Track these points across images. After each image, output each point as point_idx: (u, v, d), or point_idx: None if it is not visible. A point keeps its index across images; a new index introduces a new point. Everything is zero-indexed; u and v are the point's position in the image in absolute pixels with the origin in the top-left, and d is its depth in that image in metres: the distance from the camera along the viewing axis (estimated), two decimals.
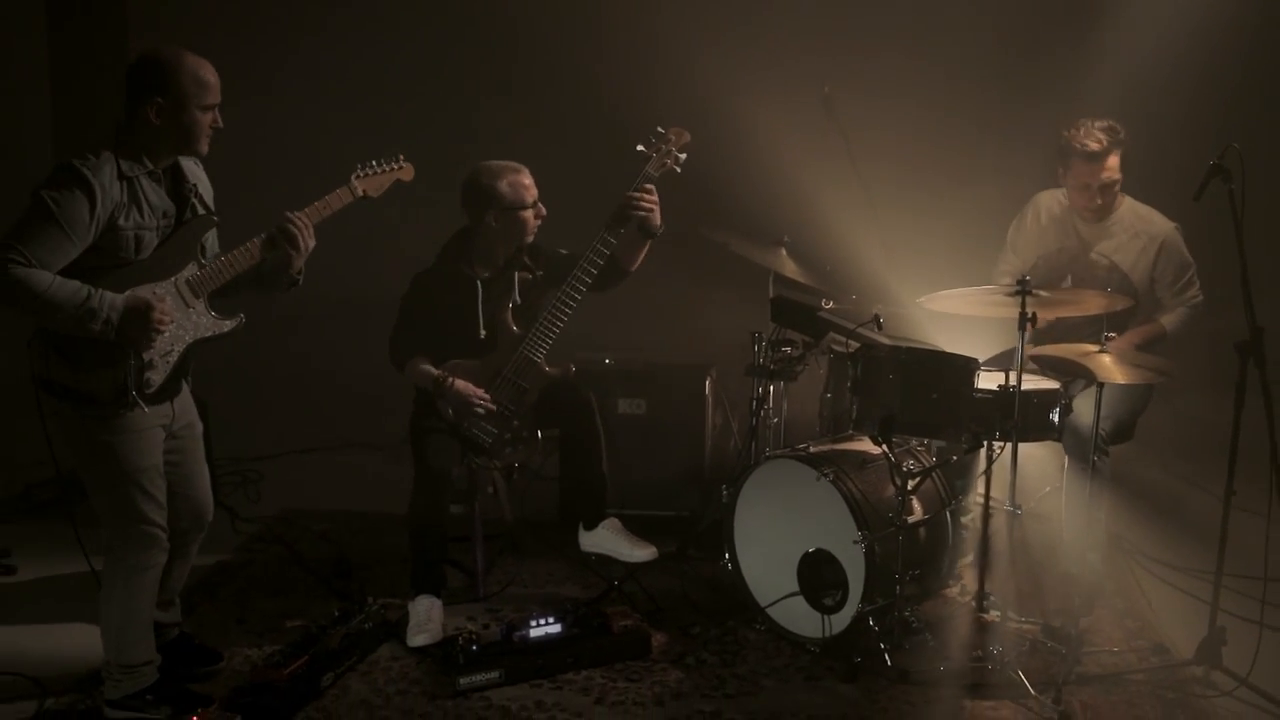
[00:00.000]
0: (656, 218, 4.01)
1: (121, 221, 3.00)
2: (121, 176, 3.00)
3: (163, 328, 3.04)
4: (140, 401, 3.07)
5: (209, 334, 3.20)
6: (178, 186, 3.18)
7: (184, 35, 6.08)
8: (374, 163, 3.44)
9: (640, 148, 4.02)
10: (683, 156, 4.03)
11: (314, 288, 5.42)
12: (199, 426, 3.43)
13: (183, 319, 3.13)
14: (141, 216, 3.04)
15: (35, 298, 2.86)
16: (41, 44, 6.44)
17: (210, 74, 3.09)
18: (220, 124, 3.13)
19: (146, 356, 3.06)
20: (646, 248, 4.12)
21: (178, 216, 3.16)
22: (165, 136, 3.07)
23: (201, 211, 3.23)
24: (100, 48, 6.33)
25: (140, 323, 2.99)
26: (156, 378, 3.10)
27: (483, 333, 4.06)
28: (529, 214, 4.04)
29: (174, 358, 3.14)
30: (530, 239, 4.09)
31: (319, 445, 5.83)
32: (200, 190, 3.25)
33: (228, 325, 3.23)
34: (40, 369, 3.04)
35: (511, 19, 6.22)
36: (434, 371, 3.97)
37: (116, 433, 3.08)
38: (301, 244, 3.21)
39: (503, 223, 4.03)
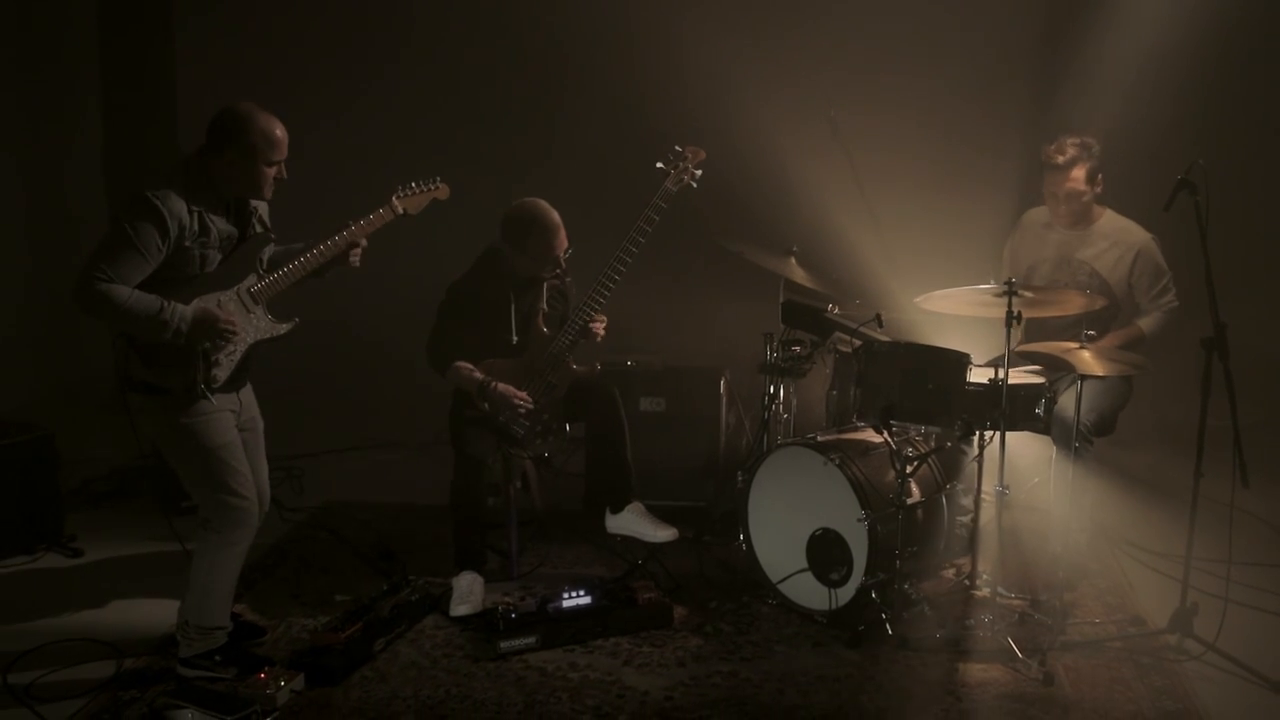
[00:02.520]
0: None
1: (188, 243, 3.35)
2: (190, 210, 3.33)
3: (230, 334, 3.39)
4: (208, 394, 3.43)
5: (268, 335, 3.56)
6: (241, 211, 3.53)
7: (230, 62, 6.39)
8: (413, 184, 3.80)
9: (659, 165, 4.27)
10: (698, 173, 4.27)
11: (349, 300, 5.75)
12: (261, 422, 3.77)
13: (244, 323, 3.48)
14: (206, 238, 3.39)
15: (115, 308, 3.23)
16: (94, 70, 6.77)
17: (280, 131, 3.41)
18: (284, 176, 3.47)
19: (213, 356, 3.42)
20: None
21: (241, 235, 3.52)
22: (234, 182, 3.42)
23: (259, 230, 3.59)
24: (148, 78, 6.63)
25: (208, 330, 3.35)
26: (221, 374, 3.46)
27: (515, 338, 4.30)
28: (547, 269, 4.30)
29: (237, 356, 3.50)
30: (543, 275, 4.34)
31: (356, 444, 6.12)
32: (261, 213, 3.61)
33: (284, 328, 3.59)
34: (123, 366, 3.41)
35: (547, 47, 6.49)
36: (478, 376, 4.20)
37: (192, 415, 3.43)
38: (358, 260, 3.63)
39: (526, 263, 4.29)
